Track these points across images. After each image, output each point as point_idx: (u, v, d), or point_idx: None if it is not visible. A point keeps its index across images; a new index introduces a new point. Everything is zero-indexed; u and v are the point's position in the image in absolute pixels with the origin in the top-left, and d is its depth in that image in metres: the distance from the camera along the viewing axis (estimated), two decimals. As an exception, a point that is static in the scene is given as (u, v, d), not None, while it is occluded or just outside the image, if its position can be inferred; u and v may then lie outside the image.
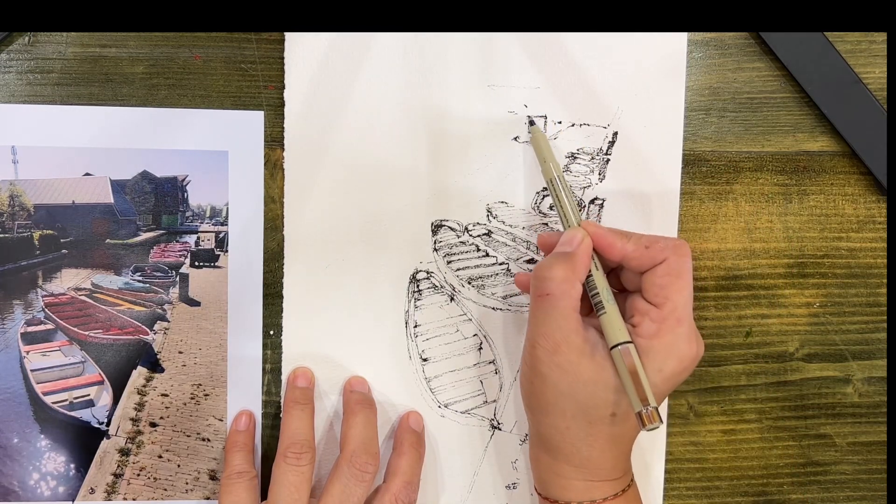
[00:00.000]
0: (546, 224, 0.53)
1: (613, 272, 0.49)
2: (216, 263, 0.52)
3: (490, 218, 0.53)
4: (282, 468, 0.48)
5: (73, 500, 0.52)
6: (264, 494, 0.51)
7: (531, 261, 0.53)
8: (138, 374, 0.52)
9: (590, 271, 0.46)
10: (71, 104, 0.50)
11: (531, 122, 0.51)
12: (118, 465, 0.52)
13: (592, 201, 0.53)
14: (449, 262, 0.53)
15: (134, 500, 0.52)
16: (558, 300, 0.45)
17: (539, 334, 0.45)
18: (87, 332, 0.52)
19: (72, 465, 0.52)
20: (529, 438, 0.50)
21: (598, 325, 0.46)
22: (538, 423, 0.47)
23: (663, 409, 0.54)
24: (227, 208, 0.51)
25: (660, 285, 0.45)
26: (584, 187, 0.53)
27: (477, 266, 0.53)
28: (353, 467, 0.48)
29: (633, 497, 0.48)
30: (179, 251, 0.52)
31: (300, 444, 0.49)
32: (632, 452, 0.48)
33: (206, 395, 0.52)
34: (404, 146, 0.52)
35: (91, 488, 0.52)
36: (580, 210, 0.53)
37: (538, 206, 0.53)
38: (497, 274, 0.53)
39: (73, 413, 0.51)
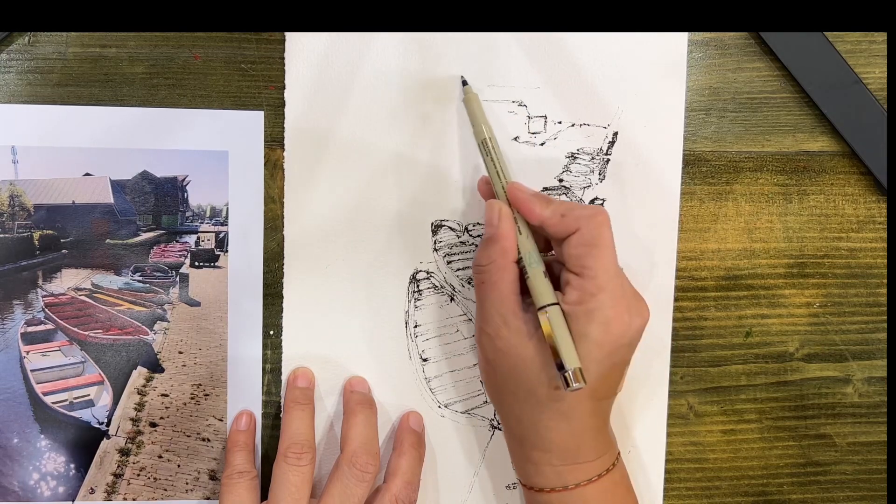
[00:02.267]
0: (546, 224, 0.53)
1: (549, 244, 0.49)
2: (216, 263, 0.52)
3: (490, 218, 0.53)
4: (282, 468, 0.48)
5: (73, 500, 0.52)
6: (265, 495, 0.51)
7: (531, 261, 0.53)
8: (138, 374, 0.52)
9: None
10: (71, 104, 0.50)
11: (464, 83, 0.50)
12: (118, 465, 0.52)
13: (592, 201, 0.53)
14: (449, 262, 0.53)
15: (134, 500, 0.52)
16: (494, 285, 0.45)
17: (483, 321, 0.46)
18: (87, 332, 0.52)
19: (72, 465, 0.52)
20: (503, 430, 0.50)
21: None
22: (499, 412, 0.48)
23: (661, 409, 0.54)
24: (227, 208, 0.51)
25: (575, 255, 0.44)
26: (584, 187, 0.53)
27: (477, 266, 0.53)
28: (353, 467, 0.48)
29: (614, 481, 0.47)
30: (179, 251, 0.52)
31: (300, 445, 0.49)
32: (623, 453, 0.48)
33: (206, 395, 0.52)
34: (404, 146, 0.52)
35: (91, 488, 0.52)
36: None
37: (538, 206, 0.53)
38: (497, 274, 0.53)
39: (73, 413, 0.51)
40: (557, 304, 0.44)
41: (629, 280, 0.46)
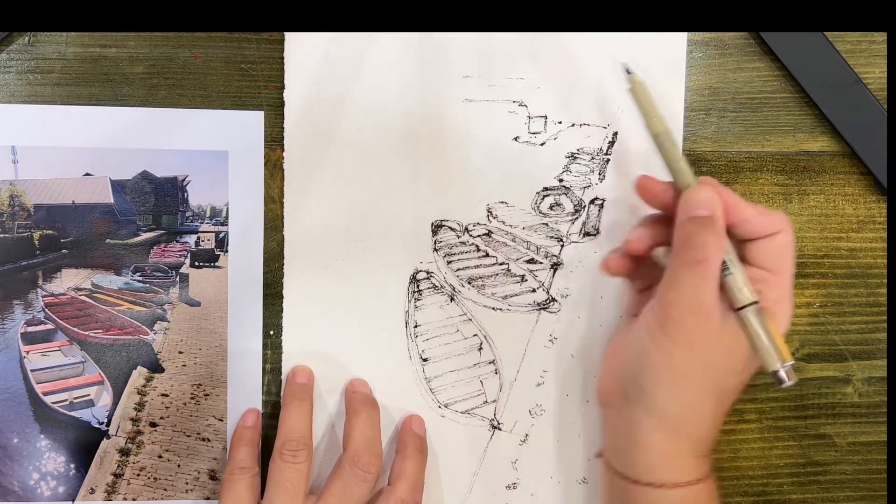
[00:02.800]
0: (546, 224, 0.53)
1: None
2: (216, 263, 0.52)
3: (490, 218, 0.53)
4: (278, 465, 0.48)
5: (73, 500, 0.52)
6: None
7: (531, 261, 0.53)
8: (138, 374, 0.52)
9: None
10: (71, 104, 0.50)
11: (628, 72, 0.47)
12: (118, 465, 0.52)
13: (592, 201, 0.53)
14: (449, 262, 0.53)
15: (134, 500, 0.52)
16: (713, 265, 0.44)
17: (690, 301, 0.44)
18: (87, 332, 0.52)
19: (72, 465, 0.52)
20: (617, 416, 0.48)
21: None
22: (663, 400, 0.45)
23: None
24: (227, 208, 0.51)
25: (780, 254, 0.45)
26: (584, 187, 0.53)
27: (477, 266, 0.53)
28: (356, 467, 0.48)
29: (713, 489, 0.47)
30: (179, 251, 0.52)
31: (297, 441, 0.49)
32: None
33: (206, 395, 0.52)
34: (404, 146, 0.52)
35: (91, 488, 0.52)
36: (582, 209, 0.53)
37: (538, 207, 0.53)
38: (497, 274, 0.53)
39: (73, 413, 0.51)
40: (758, 301, 0.44)
41: None
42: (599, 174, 0.53)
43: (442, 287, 0.53)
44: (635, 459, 0.46)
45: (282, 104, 0.51)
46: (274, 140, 0.51)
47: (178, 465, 0.52)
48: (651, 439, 0.46)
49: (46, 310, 0.51)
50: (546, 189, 0.53)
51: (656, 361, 0.45)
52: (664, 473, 0.45)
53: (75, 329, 0.51)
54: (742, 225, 0.45)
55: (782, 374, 0.43)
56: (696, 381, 0.45)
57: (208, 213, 0.52)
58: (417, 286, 0.53)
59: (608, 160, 0.53)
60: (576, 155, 0.53)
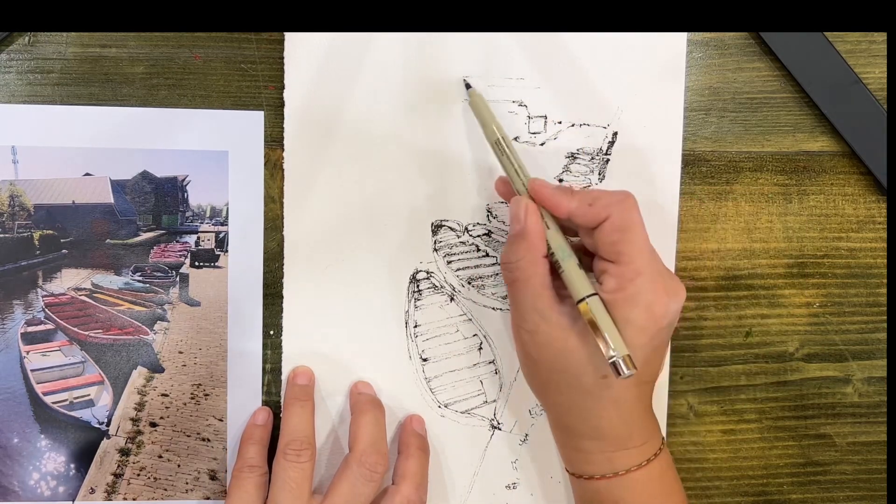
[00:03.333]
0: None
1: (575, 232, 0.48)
2: (216, 263, 0.52)
3: (490, 218, 0.53)
4: (282, 465, 0.48)
5: (73, 500, 0.52)
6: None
7: (531, 261, 0.53)
8: (138, 374, 0.52)
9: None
10: (71, 104, 0.50)
11: (468, 86, 0.50)
12: (118, 465, 0.52)
13: (592, 201, 0.53)
14: (449, 262, 0.53)
15: (134, 500, 0.52)
16: (527, 282, 0.45)
17: (519, 318, 0.46)
18: (87, 332, 0.52)
19: (72, 465, 0.52)
20: (549, 422, 0.50)
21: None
22: (544, 405, 0.48)
23: (661, 409, 0.54)
24: (227, 208, 0.51)
25: (609, 242, 0.44)
26: (584, 187, 0.53)
27: (477, 266, 0.53)
28: (362, 467, 0.48)
29: (661, 468, 0.47)
30: (179, 251, 0.52)
31: (300, 441, 0.49)
32: (657, 424, 0.48)
33: (206, 395, 0.52)
34: (404, 146, 0.52)
35: (91, 488, 0.52)
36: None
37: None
38: (497, 274, 0.53)
39: (73, 413, 0.51)
40: (596, 293, 0.44)
41: (661, 260, 0.46)
42: (599, 174, 0.53)
43: (442, 287, 0.53)
44: (565, 457, 0.49)
45: (282, 104, 0.51)
46: (274, 140, 0.51)
47: (178, 465, 0.52)
48: (557, 438, 0.49)
49: (46, 310, 0.51)
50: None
51: (523, 371, 0.49)
52: (592, 467, 0.47)
53: (75, 329, 0.51)
54: (574, 219, 0.46)
55: (617, 365, 0.42)
56: (553, 385, 0.46)
57: (208, 213, 0.52)
58: (417, 286, 0.53)
59: (608, 160, 0.53)
60: (576, 155, 0.53)
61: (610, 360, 0.42)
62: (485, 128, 0.49)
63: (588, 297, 0.44)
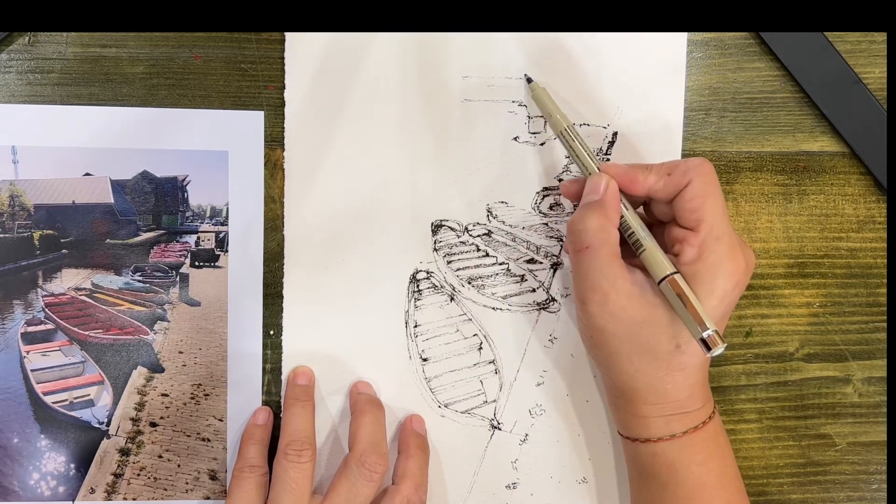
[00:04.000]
0: (546, 224, 0.53)
1: (647, 207, 0.49)
2: (216, 263, 0.52)
3: (490, 218, 0.53)
4: (282, 465, 0.48)
5: (73, 500, 0.52)
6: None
7: (531, 261, 0.53)
8: (138, 374, 0.52)
9: (621, 214, 0.47)
10: (71, 104, 0.50)
11: (529, 80, 0.51)
12: (118, 465, 0.52)
13: (592, 201, 0.53)
14: (449, 262, 0.53)
15: (134, 500, 0.52)
16: (598, 250, 0.45)
17: (586, 288, 0.46)
18: (87, 332, 0.52)
19: (72, 465, 0.52)
20: (604, 387, 0.51)
21: (641, 266, 0.46)
22: (609, 374, 0.48)
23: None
24: (227, 208, 0.51)
25: (690, 209, 0.45)
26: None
27: (477, 266, 0.53)
28: (362, 467, 0.48)
29: (715, 430, 0.48)
30: (179, 251, 0.52)
31: (301, 441, 0.49)
32: (709, 389, 0.48)
33: (206, 395, 0.52)
34: (404, 146, 0.52)
35: (91, 488, 0.52)
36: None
37: (538, 206, 0.53)
38: (497, 274, 0.53)
39: (73, 413, 0.51)
40: (678, 271, 0.44)
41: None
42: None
43: (442, 287, 0.53)
44: (621, 422, 0.49)
45: (282, 104, 0.51)
46: (274, 140, 0.51)
47: (178, 465, 0.52)
48: (617, 404, 0.49)
49: (46, 310, 0.51)
50: (546, 189, 0.53)
51: (587, 343, 0.49)
52: (651, 430, 0.47)
53: (75, 329, 0.51)
54: (653, 193, 0.46)
55: (706, 341, 0.43)
56: (623, 355, 0.46)
57: (208, 213, 0.52)
58: (417, 286, 0.53)
59: (608, 160, 0.52)
60: (576, 155, 0.53)
61: (699, 338, 0.43)
62: (550, 118, 0.49)
63: (672, 274, 0.44)
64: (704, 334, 0.43)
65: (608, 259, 0.45)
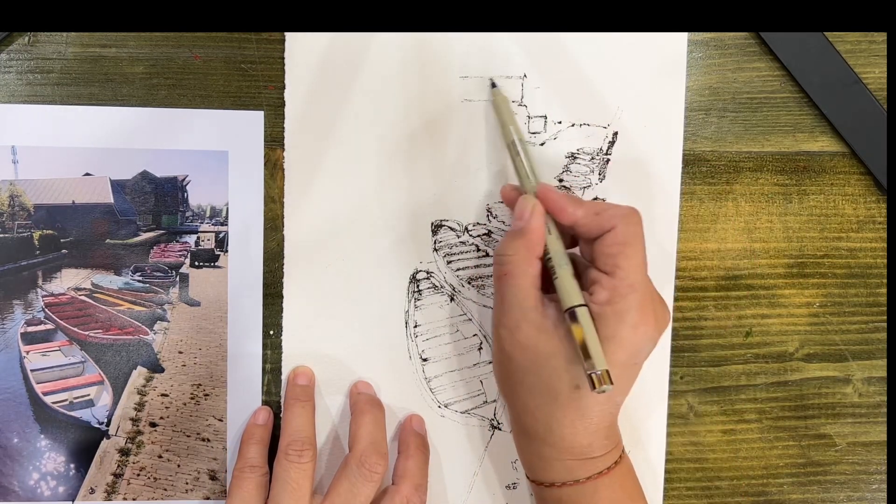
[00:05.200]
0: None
1: (574, 242, 0.49)
2: (216, 263, 0.52)
3: (490, 218, 0.53)
4: (283, 465, 0.48)
5: (73, 500, 0.52)
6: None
7: (531, 261, 0.53)
8: (138, 374, 0.52)
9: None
10: (71, 104, 0.50)
11: (493, 85, 0.51)
12: (118, 465, 0.52)
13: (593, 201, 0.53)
14: (449, 262, 0.53)
15: (134, 500, 0.52)
16: (517, 278, 0.45)
17: (501, 313, 0.46)
18: (87, 332, 0.52)
19: (72, 465, 0.52)
20: (511, 426, 0.50)
21: (557, 299, 0.45)
22: (511, 406, 0.48)
23: (661, 409, 0.54)
24: (227, 208, 0.51)
25: (608, 254, 0.44)
26: (584, 187, 0.53)
27: (477, 266, 0.53)
28: (362, 467, 0.48)
29: (622, 474, 0.47)
30: (179, 251, 0.52)
31: (301, 441, 0.49)
32: (619, 433, 0.48)
33: (206, 395, 0.52)
34: (404, 146, 0.52)
35: (91, 488, 0.52)
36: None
37: (538, 206, 0.53)
38: (497, 274, 0.53)
39: (73, 413, 0.51)
40: (586, 305, 0.44)
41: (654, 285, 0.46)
42: (599, 174, 0.53)
43: (442, 287, 0.53)
44: (527, 464, 0.49)
45: (282, 104, 0.51)
46: (274, 140, 0.51)
47: (178, 465, 0.52)
48: (520, 443, 0.49)
49: (46, 310, 0.51)
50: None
51: (495, 368, 0.49)
52: (553, 474, 0.46)
53: (75, 329, 0.51)
54: (577, 227, 0.46)
55: (593, 378, 0.42)
56: (524, 387, 0.45)
57: (208, 213, 0.52)
58: (417, 286, 0.53)
59: (608, 160, 0.53)
60: (576, 155, 0.53)
61: (588, 373, 0.42)
62: (503, 128, 0.50)
63: (578, 306, 0.44)
64: (594, 371, 0.42)
65: (525, 288, 0.45)
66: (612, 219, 0.45)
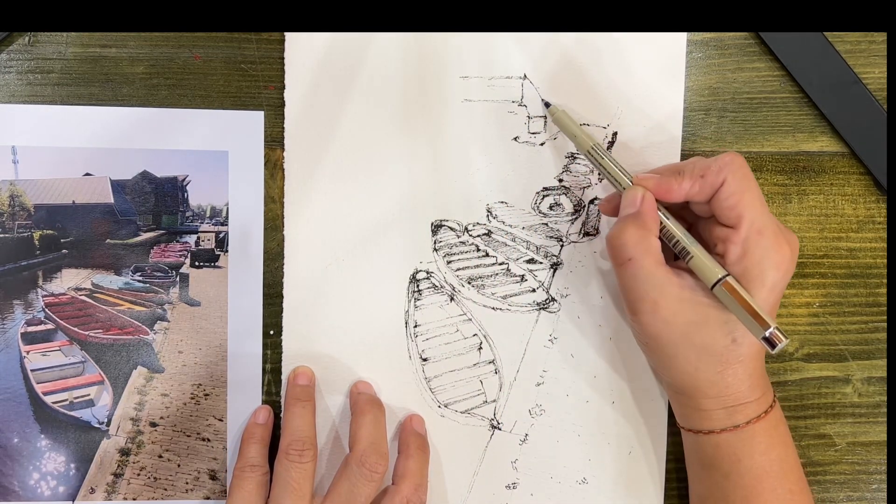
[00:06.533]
0: (546, 224, 0.53)
1: (686, 206, 0.49)
2: (216, 263, 0.52)
3: (490, 218, 0.53)
4: (284, 465, 0.48)
5: (73, 500, 0.52)
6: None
7: (531, 261, 0.53)
8: (138, 374, 0.52)
9: (661, 223, 0.47)
10: (71, 104, 0.50)
11: (547, 105, 0.51)
12: (118, 465, 0.52)
13: (592, 201, 0.53)
14: (449, 262, 0.53)
15: (134, 499, 0.52)
16: (641, 261, 0.46)
17: (635, 299, 0.46)
18: (87, 332, 0.52)
19: (72, 465, 0.52)
20: (663, 385, 0.52)
21: (686, 268, 0.46)
22: (667, 375, 0.49)
23: (662, 409, 0.54)
24: (227, 208, 0.51)
25: (728, 206, 0.45)
26: (584, 187, 0.53)
27: (477, 266, 0.53)
28: (363, 467, 0.48)
29: (776, 419, 0.48)
30: (179, 251, 0.52)
31: (302, 441, 0.49)
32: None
33: (206, 395, 0.52)
34: (404, 146, 0.52)
35: (91, 488, 0.52)
36: (582, 209, 0.53)
37: (538, 206, 0.53)
38: (497, 274, 0.53)
39: (73, 413, 0.51)
40: (728, 274, 0.45)
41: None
42: (599, 174, 0.53)
43: (442, 287, 0.53)
44: (683, 416, 0.50)
45: (282, 104, 0.51)
46: (274, 140, 0.51)
47: (178, 465, 0.52)
48: (678, 400, 0.50)
49: (46, 310, 0.51)
50: (546, 189, 0.53)
51: (644, 350, 0.51)
52: (713, 422, 0.47)
53: (75, 329, 0.52)
54: (689, 198, 0.47)
55: (770, 339, 0.43)
56: (680, 357, 0.46)
57: (208, 213, 0.52)
58: (417, 286, 0.53)
59: (608, 160, 0.53)
60: (576, 155, 0.53)
61: (761, 337, 0.43)
62: (575, 139, 0.50)
63: (724, 277, 0.44)
64: (767, 332, 0.43)
65: (653, 268, 0.45)
66: (719, 173, 0.45)
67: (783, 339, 0.43)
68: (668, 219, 0.47)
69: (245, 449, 0.50)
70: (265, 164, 0.51)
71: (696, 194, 0.46)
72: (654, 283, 0.45)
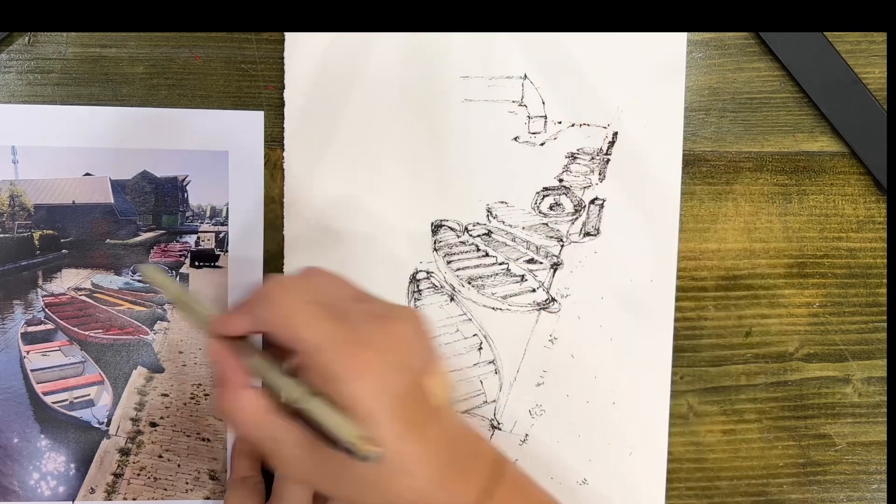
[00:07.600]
0: (546, 224, 0.53)
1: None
2: (216, 263, 0.52)
3: (490, 218, 0.53)
4: (283, 484, 0.48)
5: (73, 500, 0.52)
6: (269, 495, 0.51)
7: (531, 261, 0.53)
8: (138, 374, 0.52)
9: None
10: (71, 104, 0.50)
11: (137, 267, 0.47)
12: (118, 465, 0.52)
13: (592, 201, 0.53)
14: (449, 262, 0.53)
15: (134, 500, 0.52)
16: (249, 419, 0.40)
17: (283, 466, 0.40)
18: (87, 332, 0.52)
19: (72, 465, 0.52)
20: None
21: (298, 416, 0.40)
22: None
23: (663, 409, 0.54)
24: (227, 208, 0.51)
25: (277, 341, 0.39)
26: (584, 187, 0.53)
27: (477, 266, 0.53)
28: None
29: (514, 487, 0.42)
30: (179, 251, 0.52)
31: None
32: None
33: (207, 394, 0.52)
34: (404, 146, 0.52)
35: (91, 488, 0.52)
36: (582, 209, 0.53)
37: (538, 206, 0.53)
38: (497, 274, 0.53)
39: (73, 413, 0.51)
40: (317, 395, 0.38)
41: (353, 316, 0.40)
42: (599, 174, 0.53)
43: (442, 287, 0.53)
44: None
45: (282, 104, 0.51)
46: (274, 140, 0.51)
47: (178, 465, 0.52)
48: None
49: (46, 310, 0.51)
50: (546, 189, 0.53)
51: None
52: None
53: (75, 329, 0.51)
54: (265, 336, 0.42)
55: (350, 449, 0.37)
56: (358, 495, 0.39)
57: (208, 213, 0.52)
58: (417, 286, 0.53)
59: (608, 160, 0.53)
60: (576, 155, 0.53)
61: (345, 448, 0.37)
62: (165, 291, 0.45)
63: (301, 400, 0.38)
64: (349, 444, 0.36)
65: (264, 420, 0.40)
66: (251, 310, 0.40)
67: (368, 449, 0.36)
68: (276, 371, 0.40)
69: (235, 463, 0.50)
70: (265, 164, 0.51)
71: (252, 328, 0.40)
72: (278, 437, 0.39)
